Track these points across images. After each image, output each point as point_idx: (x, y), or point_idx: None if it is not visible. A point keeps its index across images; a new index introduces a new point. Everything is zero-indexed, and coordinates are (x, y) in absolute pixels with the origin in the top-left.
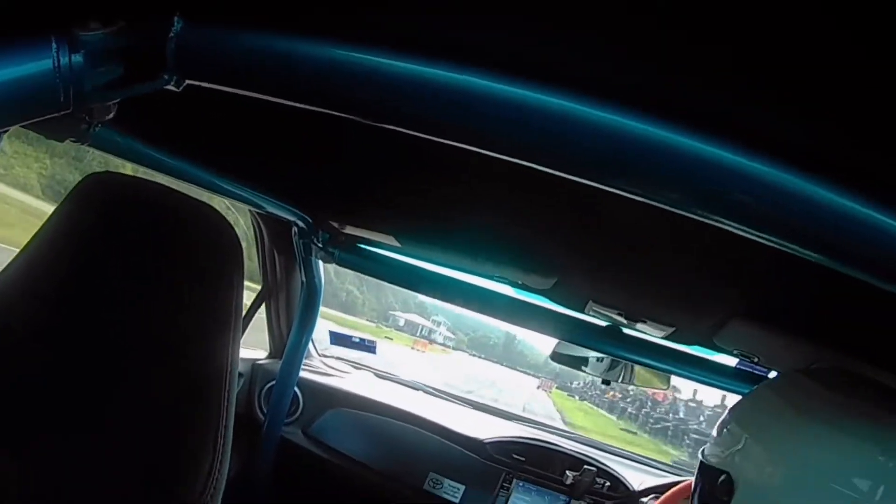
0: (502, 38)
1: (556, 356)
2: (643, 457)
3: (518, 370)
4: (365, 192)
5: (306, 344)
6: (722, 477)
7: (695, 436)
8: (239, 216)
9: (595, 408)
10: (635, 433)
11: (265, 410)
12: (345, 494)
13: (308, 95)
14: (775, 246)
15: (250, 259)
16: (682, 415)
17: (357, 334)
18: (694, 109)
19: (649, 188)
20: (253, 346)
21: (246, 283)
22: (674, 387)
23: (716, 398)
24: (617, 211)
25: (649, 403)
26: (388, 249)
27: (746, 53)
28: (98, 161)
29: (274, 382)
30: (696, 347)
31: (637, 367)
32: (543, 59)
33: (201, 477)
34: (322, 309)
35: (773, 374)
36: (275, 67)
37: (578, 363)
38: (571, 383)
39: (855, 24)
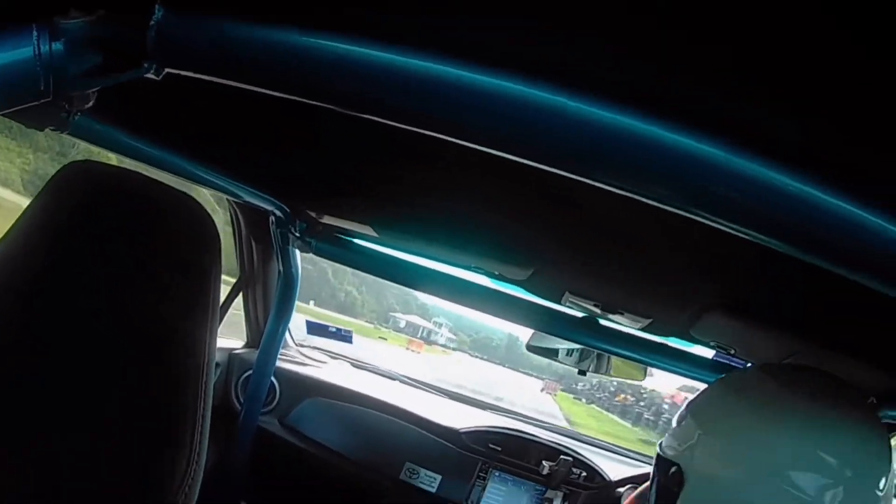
0: (484, 29)
1: (532, 347)
2: (619, 447)
3: (521, 371)
4: (342, 181)
5: (283, 334)
6: (673, 469)
7: None
8: (217, 206)
9: (605, 412)
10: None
11: (242, 400)
12: (321, 484)
13: (287, 85)
14: (756, 240)
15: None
16: None
17: (334, 324)
18: (679, 104)
19: (632, 182)
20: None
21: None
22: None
23: None
24: (595, 203)
25: (666, 408)
26: (366, 239)
27: (736, 50)
28: (83, 155)
29: (251, 372)
30: (673, 339)
31: (613, 358)
32: (526, 51)
33: (179, 469)
34: (319, 310)
35: (751, 366)
36: (254, 56)
37: (554, 354)
38: (577, 385)
39: (854, 24)
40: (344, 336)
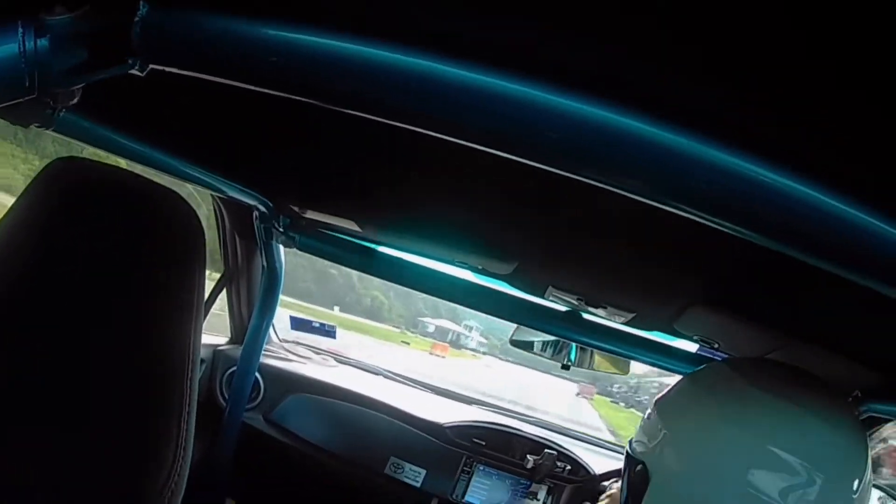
0: (467, 25)
1: (515, 342)
2: (603, 441)
3: (553, 375)
4: (325, 176)
5: (267, 329)
6: (638, 467)
7: None
8: (201, 201)
9: None
10: None
11: (226, 396)
12: (306, 479)
13: (271, 81)
14: (737, 235)
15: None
16: None
17: (318, 319)
18: (659, 98)
19: (614, 176)
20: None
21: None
22: None
23: None
24: (578, 197)
25: None
26: (350, 234)
27: (713, 41)
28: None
29: (235, 368)
30: (657, 333)
31: (597, 353)
32: (505, 46)
33: (165, 465)
34: (344, 315)
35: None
36: (239, 52)
37: (538, 348)
38: (612, 387)
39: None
40: (328, 331)
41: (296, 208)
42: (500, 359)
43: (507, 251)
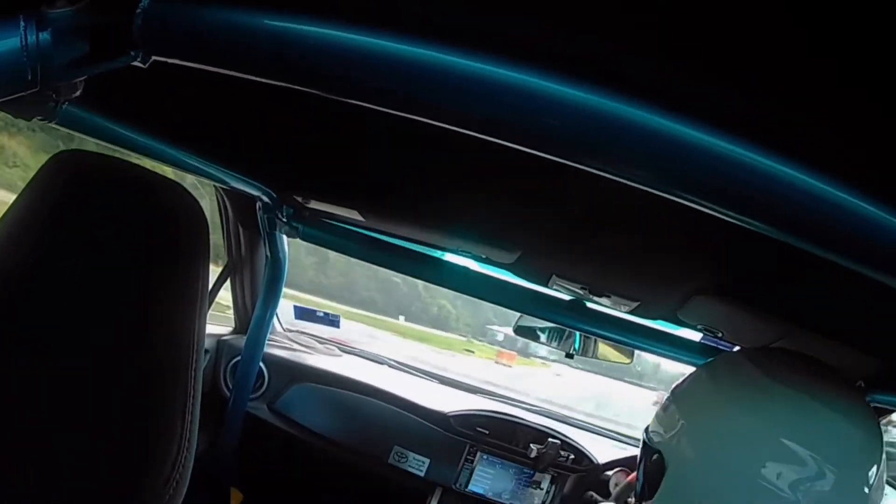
0: (468, 13)
1: (518, 331)
2: (607, 430)
3: (626, 382)
4: (328, 166)
5: (271, 319)
6: (655, 455)
7: None
8: (204, 192)
9: None
10: None
11: (231, 386)
12: (310, 469)
13: (274, 71)
14: (741, 224)
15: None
16: None
17: (323, 309)
18: (660, 87)
19: (619, 166)
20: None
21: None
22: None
23: None
24: (582, 185)
25: None
26: (353, 224)
27: (721, 32)
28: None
29: (239, 358)
30: (661, 322)
31: (600, 341)
32: (509, 34)
33: (169, 456)
34: (410, 325)
35: (737, 349)
36: (241, 43)
37: (540, 337)
38: None
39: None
40: (332, 321)
41: (299, 198)
42: (570, 366)
43: (511, 240)
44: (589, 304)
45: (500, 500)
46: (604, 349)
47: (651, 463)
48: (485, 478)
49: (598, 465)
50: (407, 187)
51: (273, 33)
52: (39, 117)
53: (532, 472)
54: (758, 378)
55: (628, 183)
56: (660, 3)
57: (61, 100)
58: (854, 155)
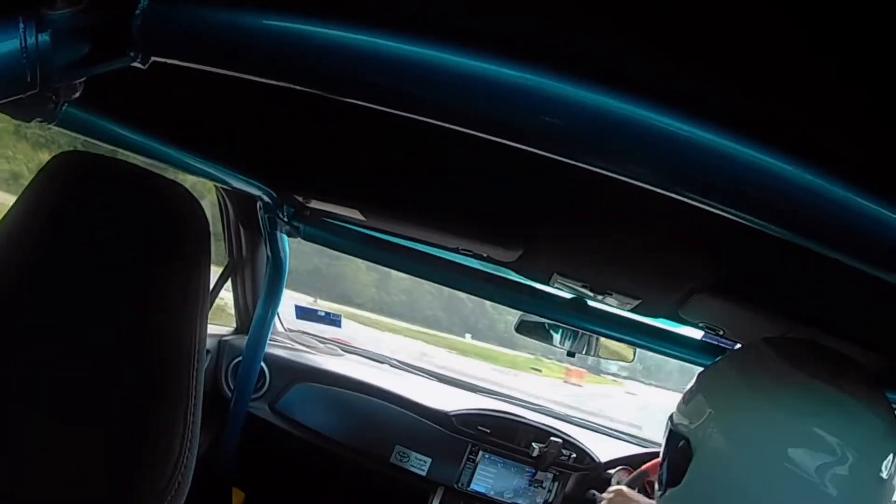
0: (468, 11)
1: (520, 329)
2: (609, 428)
3: None
4: (328, 166)
5: (272, 319)
6: (681, 443)
7: None
8: (205, 192)
9: None
10: None
11: (232, 386)
12: (312, 469)
13: (274, 70)
14: (742, 221)
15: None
16: None
17: (324, 309)
18: (663, 86)
19: (614, 162)
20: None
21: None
22: None
23: None
24: (583, 184)
25: None
26: (354, 223)
27: (724, 31)
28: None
29: (240, 358)
30: (662, 320)
31: (602, 339)
32: (511, 33)
33: (171, 456)
34: (477, 343)
35: (738, 347)
36: (240, 43)
37: (543, 336)
38: None
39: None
40: (333, 321)
41: (300, 198)
42: (642, 383)
43: (512, 238)
44: (590, 303)
45: (502, 500)
46: (605, 347)
47: (677, 450)
48: (487, 477)
49: (600, 463)
50: (408, 186)
51: (272, 33)
52: (39, 119)
53: (534, 470)
54: (785, 368)
55: (629, 181)
56: (660, 2)
57: (61, 101)
58: (854, 153)
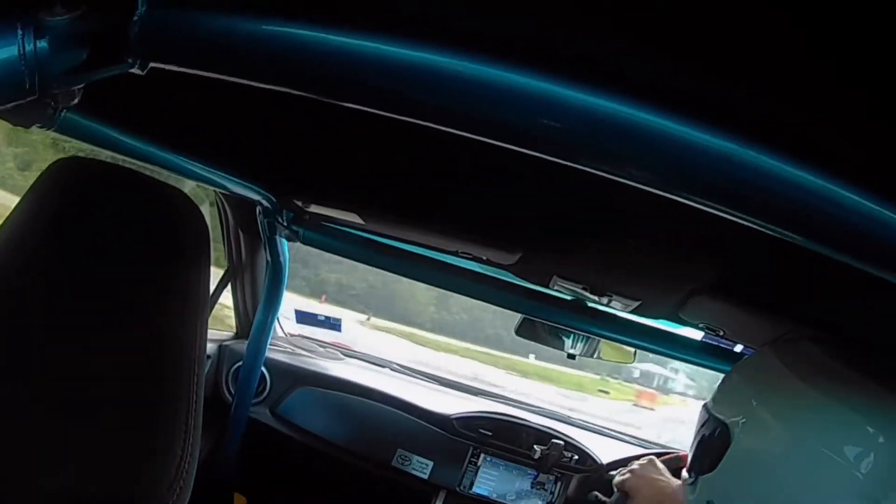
0: (466, 14)
1: (520, 333)
2: (610, 429)
3: None
4: (327, 170)
5: (272, 323)
6: (719, 430)
7: None
8: (205, 197)
9: None
10: None
11: (233, 391)
12: (313, 473)
13: (272, 76)
14: (742, 222)
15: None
16: None
17: (324, 313)
18: (663, 88)
19: (614, 165)
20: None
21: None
22: None
23: None
24: (582, 186)
25: None
26: (353, 228)
27: (722, 31)
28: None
29: (241, 363)
30: (662, 321)
31: (602, 342)
32: (507, 36)
33: (173, 461)
34: (541, 364)
35: (738, 348)
36: (239, 49)
37: (543, 339)
38: None
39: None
40: (333, 324)
41: (299, 203)
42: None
43: (512, 241)
44: (590, 305)
45: (504, 502)
46: (605, 349)
47: (714, 437)
48: (489, 479)
49: (601, 465)
50: (407, 190)
51: (271, 39)
52: (38, 125)
53: (536, 473)
54: (828, 362)
55: (629, 183)
56: (660, 3)
57: (60, 107)
58: (854, 153)
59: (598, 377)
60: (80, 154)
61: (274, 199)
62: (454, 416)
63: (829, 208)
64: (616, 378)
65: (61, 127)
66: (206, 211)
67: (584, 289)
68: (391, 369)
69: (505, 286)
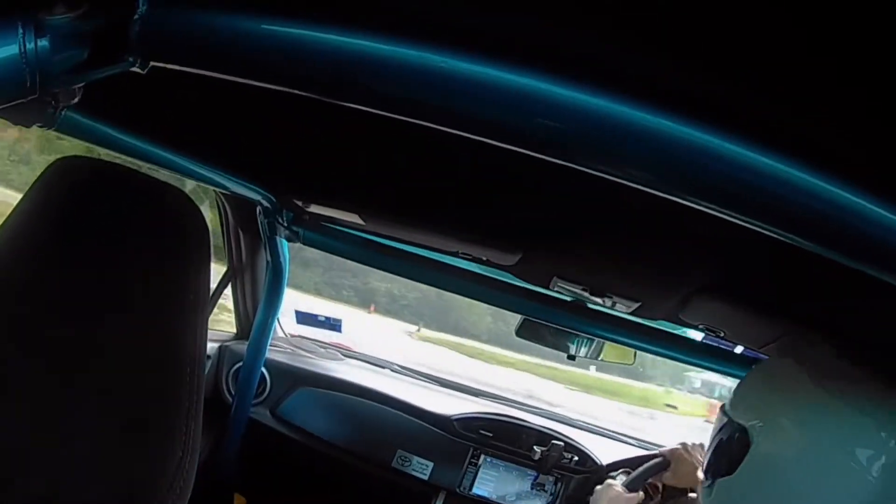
0: (466, 14)
1: (521, 334)
2: (610, 430)
3: None
4: (328, 171)
5: (272, 324)
6: (738, 434)
7: None
8: (205, 197)
9: None
10: None
11: (233, 392)
12: (314, 474)
13: (273, 75)
14: (742, 223)
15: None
16: None
17: (324, 313)
18: (663, 88)
19: (612, 165)
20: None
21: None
22: None
23: None
24: (581, 186)
25: None
26: (354, 228)
27: (725, 31)
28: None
29: (241, 364)
30: (662, 322)
31: (603, 343)
32: (506, 35)
33: (173, 462)
34: (598, 375)
35: (739, 349)
36: (239, 48)
37: (544, 340)
38: None
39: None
40: (333, 325)
41: (299, 203)
42: None
43: (511, 242)
44: (590, 306)
45: (503, 503)
46: (606, 350)
47: (734, 441)
48: (489, 480)
49: (601, 466)
50: (407, 190)
51: (271, 38)
52: (38, 124)
53: (536, 474)
54: (840, 365)
55: (629, 184)
56: (660, 3)
57: (60, 106)
58: (854, 153)
59: (662, 389)
60: (113, 155)
61: (274, 199)
62: (454, 417)
63: (829, 210)
64: (679, 389)
65: (61, 126)
66: (206, 211)
67: (584, 290)
68: (391, 370)
69: (505, 287)
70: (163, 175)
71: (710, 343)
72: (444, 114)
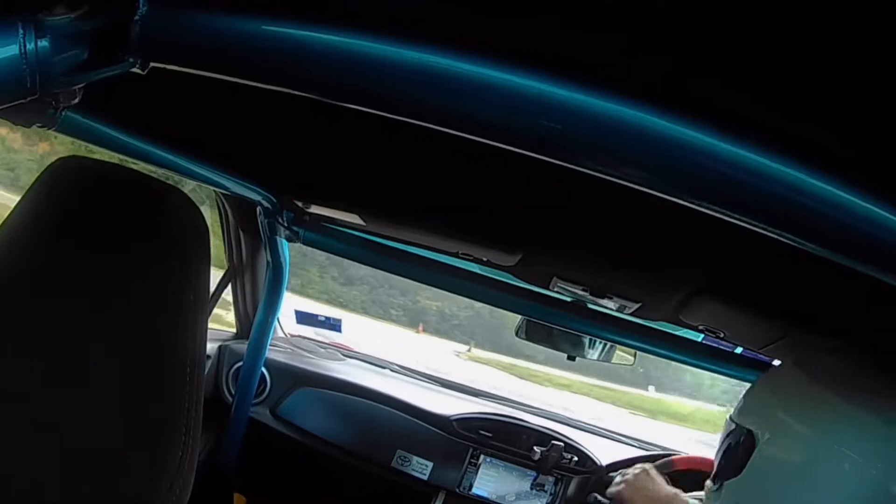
0: (467, 15)
1: (521, 335)
2: (610, 431)
3: None
4: (328, 171)
5: (272, 324)
6: (744, 437)
7: None
8: (205, 197)
9: None
10: None
11: (233, 392)
12: (313, 473)
13: (273, 76)
14: (742, 224)
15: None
16: None
17: (324, 313)
18: (662, 90)
19: (616, 167)
20: None
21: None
22: None
23: None
24: (581, 187)
25: None
26: (354, 228)
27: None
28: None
29: (241, 363)
30: (662, 323)
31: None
32: (505, 36)
33: (172, 462)
34: (658, 396)
35: (738, 350)
36: (240, 48)
37: (545, 341)
38: None
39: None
40: (333, 325)
41: (299, 203)
42: None
43: (511, 242)
44: (590, 306)
45: (503, 503)
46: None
47: (739, 444)
48: (488, 481)
49: (601, 466)
50: (407, 191)
51: (271, 39)
52: (39, 124)
53: (535, 474)
54: (849, 371)
55: (629, 185)
56: (658, 5)
57: (60, 106)
58: (854, 153)
59: (720, 409)
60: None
61: (274, 200)
62: (454, 417)
63: (826, 209)
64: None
65: (62, 126)
66: (206, 211)
67: (584, 290)
68: (391, 370)
69: (505, 288)
70: (163, 175)
71: (710, 344)
72: (444, 115)
